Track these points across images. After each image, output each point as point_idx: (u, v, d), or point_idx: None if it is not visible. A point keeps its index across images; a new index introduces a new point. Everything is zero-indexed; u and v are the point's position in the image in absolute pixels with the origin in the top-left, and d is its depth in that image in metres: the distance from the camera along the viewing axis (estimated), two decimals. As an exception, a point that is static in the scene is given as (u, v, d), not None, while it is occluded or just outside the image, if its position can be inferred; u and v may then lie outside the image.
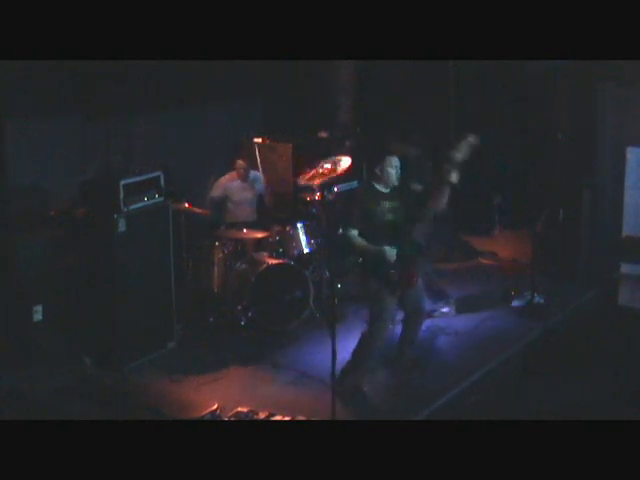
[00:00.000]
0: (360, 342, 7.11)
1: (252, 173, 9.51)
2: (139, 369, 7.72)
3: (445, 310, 8.78)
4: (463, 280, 9.73)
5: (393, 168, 6.94)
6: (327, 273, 8.66)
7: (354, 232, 6.92)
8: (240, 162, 9.43)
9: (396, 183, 7.00)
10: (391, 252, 6.83)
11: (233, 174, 9.43)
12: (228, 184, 9.39)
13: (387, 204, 6.95)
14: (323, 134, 10.38)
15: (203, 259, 8.72)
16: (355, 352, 7.13)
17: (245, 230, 8.95)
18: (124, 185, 7.61)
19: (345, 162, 9.20)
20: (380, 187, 7.02)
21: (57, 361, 7.63)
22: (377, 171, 7.00)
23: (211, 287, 8.66)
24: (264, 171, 9.68)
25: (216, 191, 9.38)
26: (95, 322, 7.73)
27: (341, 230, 7.08)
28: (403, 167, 7.06)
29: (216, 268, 8.66)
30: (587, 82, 9.41)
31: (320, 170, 9.14)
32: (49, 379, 7.39)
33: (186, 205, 8.61)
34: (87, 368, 7.66)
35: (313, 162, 9.31)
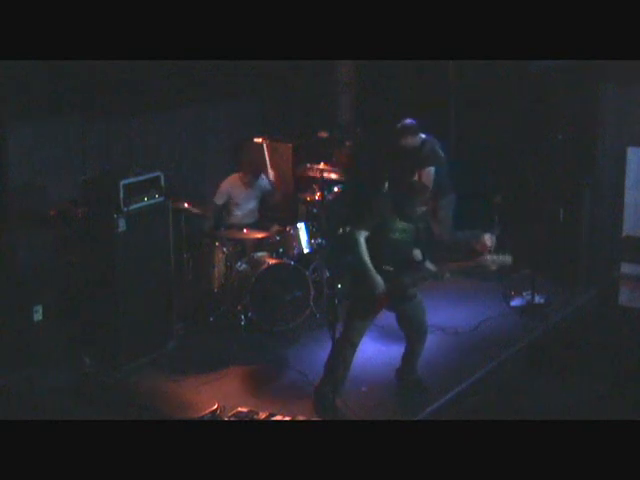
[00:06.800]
0: (331, 352, 7.04)
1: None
2: (139, 369, 7.71)
3: None
4: (463, 280, 9.73)
5: (414, 212, 6.91)
6: (327, 273, 8.66)
7: (363, 235, 6.82)
8: (248, 171, 9.26)
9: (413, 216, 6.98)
10: (381, 286, 6.79)
11: (236, 177, 9.34)
12: (231, 188, 9.27)
13: (399, 223, 6.94)
14: (323, 134, 10.38)
15: (203, 259, 8.72)
16: (327, 361, 7.08)
17: (245, 230, 8.94)
18: (124, 185, 7.61)
19: None
20: (404, 212, 6.98)
21: (57, 361, 7.63)
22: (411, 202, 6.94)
23: (211, 287, 8.66)
24: (272, 168, 9.64)
25: (220, 198, 9.22)
26: (95, 322, 7.73)
27: (348, 229, 6.98)
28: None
29: (216, 268, 8.66)
30: (587, 82, 9.41)
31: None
32: (49, 379, 7.39)
33: (186, 205, 8.59)
34: (87, 368, 7.65)
35: (313, 162, 9.33)
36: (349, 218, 7.51)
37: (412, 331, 7.20)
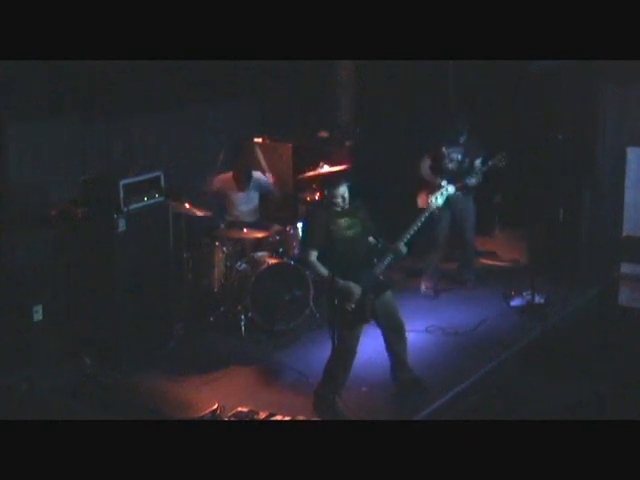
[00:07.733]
0: (331, 358, 7.03)
1: (253, 176, 9.39)
2: (139, 369, 7.71)
3: None
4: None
5: (339, 197, 6.96)
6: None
7: (314, 254, 6.92)
8: (237, 173, 9.23)
9: (346, 207, 7.01)
10: (357, 289, 6.83)
11: (230, 176, 9.32)
12: (225, 187, 9.26)
13: (343, 222, 7.00)
14: (323, 134, 10.38)
15: (203, 259, 8.71)
16: (327, 366, 7.07)
17: (245, 230, 8.94)
18: (124, 185, 7.61)
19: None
20: (335, 208, 7.03)
21: (57, 361, 7.62)
22: (329, 196, 7.05)
23: (211, 287, 8.66)
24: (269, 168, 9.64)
25: (214, 185, 9.23)
26: (95, 322, 7.73)
27: (299, 251, 7.07)
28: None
29: (216, 268, 8.65)
30: (587, 82, 9.41)
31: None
32: (49, 379, 7.39)
33: (187, 206, 8.58)
34: (87, 368, 7.65)
35: (313, 162, 9.32)
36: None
37: (389, 329, 7.16)
